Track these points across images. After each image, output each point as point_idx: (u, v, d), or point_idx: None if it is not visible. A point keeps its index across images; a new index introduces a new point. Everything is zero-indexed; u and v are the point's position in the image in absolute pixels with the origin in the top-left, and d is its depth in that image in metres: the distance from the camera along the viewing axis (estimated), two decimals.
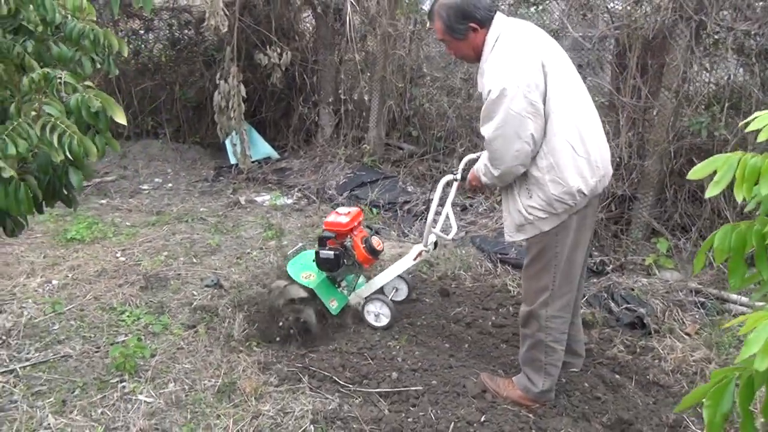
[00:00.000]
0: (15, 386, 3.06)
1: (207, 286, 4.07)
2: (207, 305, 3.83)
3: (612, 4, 4.98)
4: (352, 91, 6.76)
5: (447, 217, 3.50)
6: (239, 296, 3.89)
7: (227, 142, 6.74)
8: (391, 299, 3.77)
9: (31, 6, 2.25)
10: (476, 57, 2.78)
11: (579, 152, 2.60)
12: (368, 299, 3.58)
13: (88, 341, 3.49)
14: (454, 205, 5.53)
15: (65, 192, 2.11)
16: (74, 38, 2.36)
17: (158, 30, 7.79)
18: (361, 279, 3.79)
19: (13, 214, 1.92)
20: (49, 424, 2.80)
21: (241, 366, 3.25)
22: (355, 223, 3.54)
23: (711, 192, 1.77)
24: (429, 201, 3.75)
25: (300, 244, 4.05)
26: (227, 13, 5.60)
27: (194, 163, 7.19)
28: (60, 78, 2.05)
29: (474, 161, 3.07)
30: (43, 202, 2.14)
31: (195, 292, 4.03)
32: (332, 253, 3.42)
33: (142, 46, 7.75)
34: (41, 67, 2.10)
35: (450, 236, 3.55)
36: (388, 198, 5.74)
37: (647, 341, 3.59)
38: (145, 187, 6.50)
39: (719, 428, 1.51)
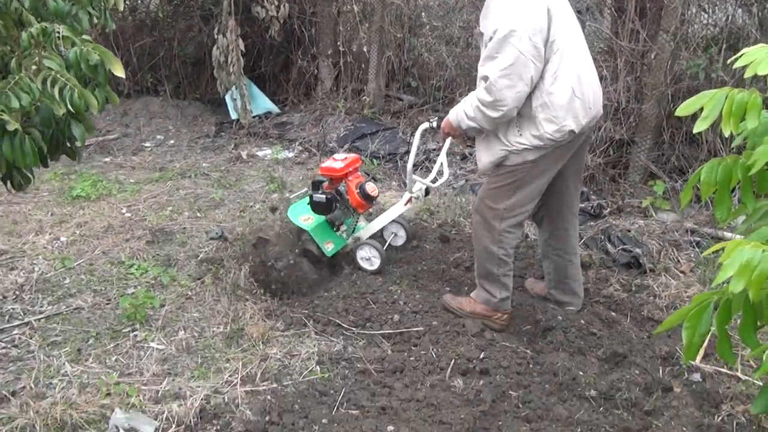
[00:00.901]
0: (31, 337, 3.18)
1: (212, 238, 4.16)
2: (212, 257, 3.92)
3: None
4: (351, 42, 6.72)
5: (441, 164, 3.57)
6: (243, 248, 3.98)
7: (227, 98, 6.74)
8: (389, 243, 3.90)
9: None
10: None
11: (577, 93, 2.72)
12: (359, 244, 3.68)
13: (99, 294, 3.60)
14: (453, 153, 5.60)
15: (68, 145, 2.17)
16: None
17: None
18: (362, 222, 3.87)
19: (19, 166, 1.98)
20: (66, 371, 2.92)
21: (248, 313, 3.36)
22: (350, 169, 3.61)
23: (699, 127, 1.81)
24: (409, 147, 3.82)
25: (304, 189, 4.12)
26: None
27: (195, 119, 7.21)
28: (58, 32, 2.09)
29: None
30: (48, 156, 2.20)
31: (200, 245, 4.13)
32: (324, 197, 3.51)
33: (139, 1, 7.68)
34: (39, 22, 2.14)
35: (437, 184, 3.64)
36: (389, 149, 5.78)
37: (642, 280, 3.68)
38: (148, 144, 6.54)
39: (697, 348, 1.59)
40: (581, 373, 2.78)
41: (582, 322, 3.16)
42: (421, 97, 6.34)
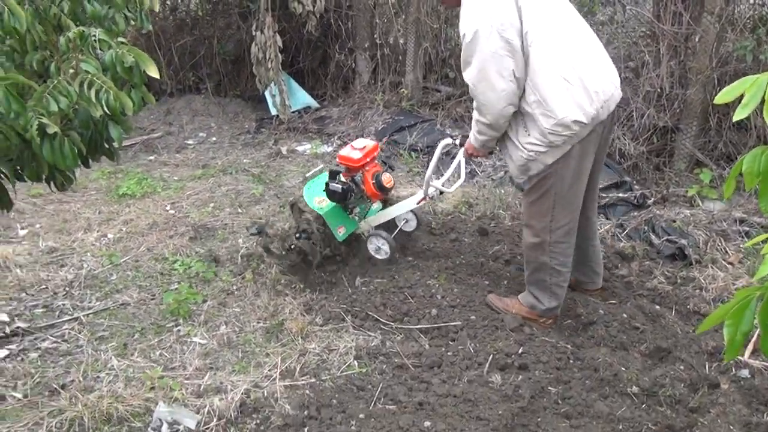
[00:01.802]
0: (80, 332, 3.29)
1: (252, 234, 4.21)
2: (253, 252, 3.97)
3: None
4: (388, 35, 6.69)
5: (458, 165, 3.54)
6: (284, 243, 4.02)
7: (266, 94, 6.80)
8: (401, 228, 3.93)
9: None
10: (457, 1, 2.78)
11: (572, 82, 2.59)
12: (372, 233, 3.70)
13: (144, 289, 3.69)
14: (491, 154, 5.53)
15: (107, 146, 2.22)
16: None
17: None
18: (375, 205, 3.89)
19: (60, 168, 2.04)
20: (112, 365, 3.01)
21: (288, 308, 3.39)
22: (368, 159, 3.61)
23: (739, 114, 1.73)
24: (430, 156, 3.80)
25: (320, 166, 4.13)
26: None
27: (236, 116, 7.30)
28: (95, 35, 2.14)
29: None
30: (88, 157, 2.26)
31: (241, 241, 4.18)
32: (340, 186, 3.52)
33: (179, 1, 7.81)
34: (77, 26, 2.19)
35: (453, 188, 3.62)
36: (427, 141, 5.74)
37: (688, 272, 3.57)
38: (191, 141, 6.66)
39: (739, 346, 1.53)
40: (623, 368, 2.73)
41: (624, 316, 3.10)
42: (459, 88, 6.27)
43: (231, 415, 2.64)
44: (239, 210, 4.75)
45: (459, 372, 2.79)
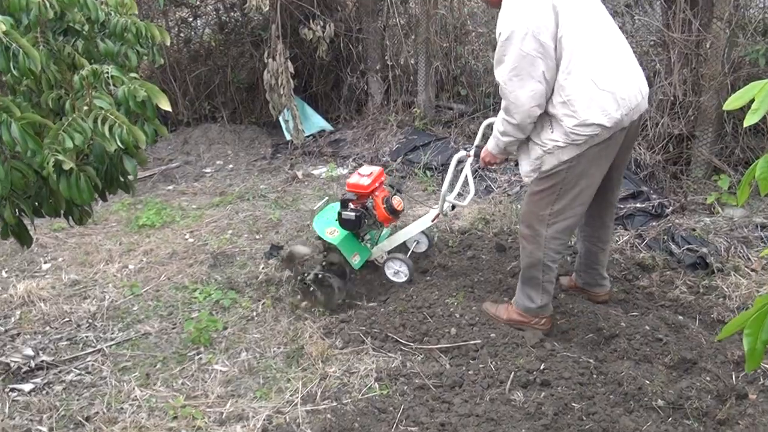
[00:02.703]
0: (103, 364, 3.32)
1: (268, 257, 4.23)
2: (271, 277, 3.99)
3: None
4: (398, 56, 6.75)
5: (466, 181, 3.55)
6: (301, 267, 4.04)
7: (280, 119, 6.87)
8: (412, 250, 3.95)
9: (75, 7, 2.39)
10: (498, 2, 2.85)
11: (602, 87, 2.64)
12: (389, 257, 3.71)
13: (165, 319, 3.72)
14: (506, 160, 5.53)
15: (122, 179, 2.26)
16: (118, 33, 2.50)
17: (206, 16, 7.96)
18: (385, 231, 3.91)
19: (77, 203, 2.08)
20: (135, 396, 3.03)
21: (307, 332, 3.40)
22: (377, 184, 3.64)
23: (749, 120, 1.72)
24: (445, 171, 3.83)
25: (325, 198, 4.17)
26: None
27: (252, 142, 7.38)
28: (108, 72, 2.19)
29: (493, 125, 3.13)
30: (105, 191, 2.30)
31: (260, 266, 4.21)
32: (353, 214, 3.54)
33: (192, 33, 7.95)
34: (90, 64, 2.24)
35: (465, 202, 3.64)
36: (441, 159, 5.75)
37: (711, 281, 3.53)
38: (208, 170, 6.74)
39: (760, 355, 1.50)
40: (648, 381, 2.69)
41: (647, 327, 3.06)
42: (471, 105, 6.30)
43: None
44: (257, 236, 4.78)
45: (481, 391, 2.77)
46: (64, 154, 1.93)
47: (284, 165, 6.57)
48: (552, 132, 2.75)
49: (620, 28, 5.08)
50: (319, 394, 2.91)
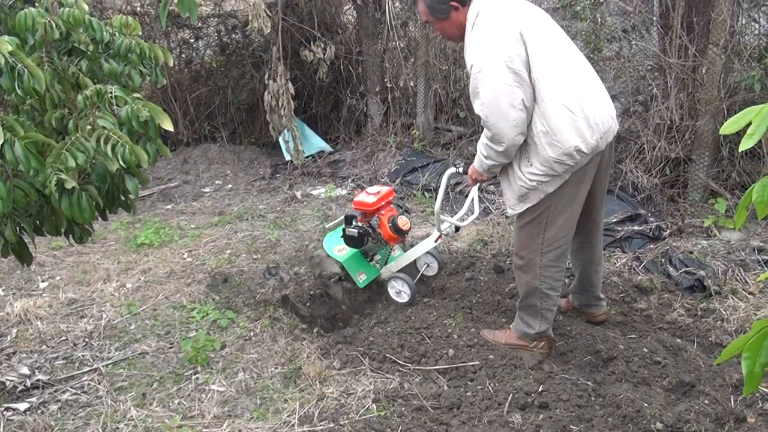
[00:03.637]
0: (99, 383, 3.30)
1: (267, 277, 4.23)
2: (269, 298, 3.99)
3: None
4: (398, 78, 6.81)
5: (472, 201, 3.58)
6: (300, 287, 4.04)
7: (280, 140, 6.91)
8: (422, 273, 3.97)
9: (81, 28, 2.42)
10: (461, 35, 2.88)
11: (576, 113, 2.65)
12: (392, 277, 3.73)
13: (162, 338, 3.71)
14: (498, 184, 5.56)
15: (123, 198, 2.28)
16: (122, 53, 2.53)
17: (207, 37, 8.04)
18: (397, 251, 3.91)
19: (78, 221, 2.09)
20: (131, 416, 3.01)
21: (305, 353, 3.39)
22: (383, 203, 3.66)
23: (745, 145, 1.74)
24: (437, 191, 3.88)
25: (340, 218, 4.21)
26: (269, 13, 5.74)
27: (251, 163, 7.41)
28: (111, 92, 2.21)
29: None
30: (106, 210, 2.31)
31: (258, 286, 4.21)
32: (356, 231, 3.58)
33: (194, 54, 8.02)
34: (94, 84, 2.27)
35: (467, 222, 3.65)
36: (440, 181, 5.77)
37: (708, 303, 3.53)
38: (207, 189, 6.76)
39: (759, 378, 1.51)
40: (646, 404, 2.68)
41: (645, 350, 3.06)
42: (470, 128, 6.34)
43: None
44: (255, 256, 4.79)
45: (479, 413, 2.76)
46: (66, 173, 1.95)
47: (283, 185, 6.60)
48: (530, 164, 2.75)
49: (617, 53, 5.19)
50: (316, 415, 2.89)
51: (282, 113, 6.16)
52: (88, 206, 2.03)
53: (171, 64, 2.74)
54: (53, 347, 3.65)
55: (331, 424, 2.82)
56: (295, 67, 6.91)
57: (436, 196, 3.59)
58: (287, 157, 6.92)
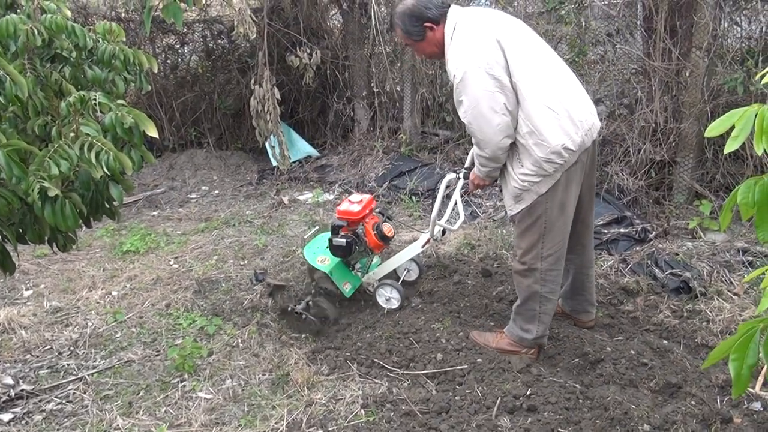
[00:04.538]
0: (85, 392, 3.26)
1: (254, 283, 4.21)
2: (257, 304, 3.97)
3: None
4: (384, 83, 6.81)
5: (455, 206, 3.58)
6: (287, 293, 4.02)
7: (267, 145, 6.90)
8: (403, 279, 3.95)
9: (63, 34, 2.40)
10: (441, 52, 2.95)
11: (559, 112, 2.73)
12: (379, 285, 3.72)
13: (149, 346, 3.68)
14: (491, 186, 5.58)
15: (108, 205, 2.26)
16: (106, 60, 2.51)
17: (193, 43, 8.01)
18: (375, 260, 3.93)
19: (62, 229, 2.07)
20: (117, 425, 2.98)
21: (293, 359, 3.38)
22: (367, 211, 3.66)
23: (729, 147, 1.75)
24: (434, 195, 3.88)
25: (316, 227, 4.19)
26: (255, 19, 5.73)
27: (238, 168, 7.39)
28: (95, 99, 2.19)
29: None
30: (90, 217, 2.29)
31: (245, 293, 4.19)
32: (344, 240, 3.56)
33: (179, 60, 7.98)
34: (78, 90, 2.25)
35: (456, 226, 3.69)
36: (427, 185, 5.79)
37: (694, 305, 3.55)
38: (193, 195, 6.72)
39: (747, 380, 1.52)
40: (633, 406, 2.69)
41: (632, 352, 3.07)
42: (457, 131, 6.36)
43: None
44: (242, 262, 4.76)
45: (467, 417, 2.76)
46: (49, 180, 1.93)
47: (270, 191, 6.57)
48: (522, 166, 2.82)
49: (602, 56, 5.22)
50: (304, 421, 2.88)
51: (268, 118, 6.15)
52: (71, 214, 2.01)
53: (156, 70, 2.73)
54: (38, 356, 3.60)
55: (320, 430, 2.81)
56: (282, 72, 6.90)
57: (431, 203, 3.60)
58: (274, 163, 6.91)
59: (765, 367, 2.52)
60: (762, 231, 1.84)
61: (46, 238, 2.23)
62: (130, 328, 3.88)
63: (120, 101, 2.28)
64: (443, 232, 3.68)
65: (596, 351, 3.10)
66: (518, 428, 2.64)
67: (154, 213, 6.23)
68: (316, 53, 6.31)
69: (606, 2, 4.86)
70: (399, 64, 6.73)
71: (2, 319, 3.89)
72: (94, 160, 2.00)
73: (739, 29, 4.49)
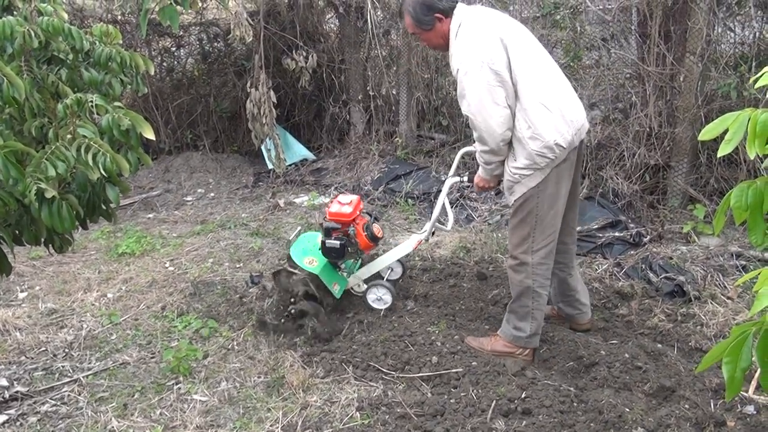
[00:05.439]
0: (80, 394, 3.26)
1: (249, 285, 4.21)
2: (252, 306, 3.97)
3: None
4: (380, 86, 6.83)
5: (444, 208, 3.60)
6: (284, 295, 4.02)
7: (262, 148, 6.90)
8: (387, 278, 3.92)
9: (60, 36, 2.41)
10: (445, 44, 3.07)
11: (553, 111, 2.84)
12: (370, 285, 3.73)
13: (144, 348, 3.67)
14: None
15: (104, 207, 2.26)
16: (102, 62, 2.52)
17: (189, 45, 8.01)
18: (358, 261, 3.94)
19: (58, 231, 2.07)
20: (112, 427, 2.98)
21: (288, 361, 3.37)
22: (357, 212, 3.67)
23: (723, 150, 1.77)
24: (436, 198, 3.90)
25: (299, 228, 4.18)
26: (251, 22, 5.74)
27: (234, 171, 7.39)
28: (92, 101, 2.20)
29: (470, 153, 3.44)
30: (86, 219, 2.29)
31: (241, 295, 4.18)
32: (338, 242, 3.56)
33: (175, 62, 7.98)
34: (74, 92, 2.26)
35: (448, 227, 3.72)
36: (423, 189, 5.81)
37: (688, 309, 3.57)
38: (189, 198, 6.72)
39: (740, 383, 1.53)
40: (627, 409, 2.70)
41: (627, 355, 3.08)
42: (453, 135, 6.38)
43: None
44: (238, 264, 4.76)
45: (462, 420, 2.76)
46: (46, 182, 1.93)
47: (266, 193, 6.57)
48: (515, 159, 2.93)
49: (597, 61, 5.25)
50: (300, 423, 2.88)
51: (264, 121, 6.14)
52: (68, 215, 2.02)
53: (152, 73, 2.74)
54: (32, 358, 3.60)
55: None
56: (278, 75, 6.90)
57: (427, 206, 3.61)
58: (270, 166, 6.91)
59: (758, 370, 2.54)
60: (754, 234, 1.86)
61: (43, 239, 2.23)
62: (125, 330, 3.88)
63: (116, 103, 2.28)
64: (432, 234, 3.69)
65: (591, 354, 3.12)
66: (513, 431, 2.65)
67: (150, 215, 6.22)
68: (312, 56, 6.32)
69: (601, 7, 4.89)
70: (395, 68, 6.75)
71: None
72: (90, 162, 2.01)
73: (732, 35, 4.53)
